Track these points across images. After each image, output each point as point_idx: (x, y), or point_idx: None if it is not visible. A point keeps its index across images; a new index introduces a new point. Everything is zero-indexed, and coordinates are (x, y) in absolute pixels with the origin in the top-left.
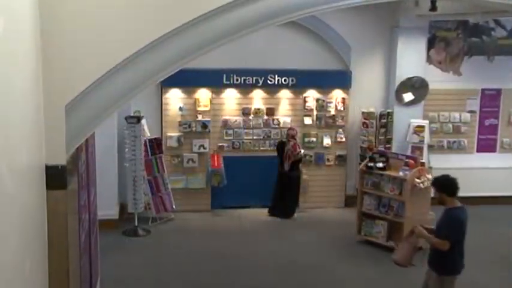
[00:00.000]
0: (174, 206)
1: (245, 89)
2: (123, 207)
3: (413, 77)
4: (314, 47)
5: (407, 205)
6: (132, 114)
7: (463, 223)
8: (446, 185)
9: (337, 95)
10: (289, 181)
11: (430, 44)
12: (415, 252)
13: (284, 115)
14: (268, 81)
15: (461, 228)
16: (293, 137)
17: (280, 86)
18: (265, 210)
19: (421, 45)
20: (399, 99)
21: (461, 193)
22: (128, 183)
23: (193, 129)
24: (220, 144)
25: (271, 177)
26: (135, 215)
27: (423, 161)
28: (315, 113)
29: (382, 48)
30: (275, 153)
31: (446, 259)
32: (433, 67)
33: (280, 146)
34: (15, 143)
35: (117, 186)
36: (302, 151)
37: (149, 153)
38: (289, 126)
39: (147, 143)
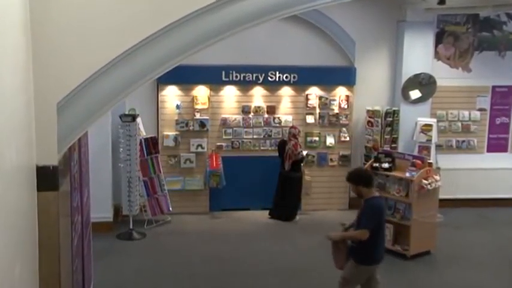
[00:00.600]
0: (170, 208)
1: (245, 86)
2: (117, 210)
3: (420, 74)
4: (317, 42)
5: (414, 207)
6: (127, 113)
7: (382, 211)
8: (362, 177)
9: (340, 92)
10: (290, 182)
11: (438, 39)
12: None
13: (285, 113)
14: (269, 78)
15: (381, 215)
16: (295, 136)
17: (282, 83)
18: (266, 213)
19: (428, 40)
20: (406, 96)
21: (470, 195)
22: (123, 184)
23: (191, 128)
24: (219, 143)
25: (272, 178)
26: (130, 218)
27: (431, 161)
28: (317, 111)
29: (388, 44)
30: (276, 153)
31: (367, 249)
32: (441, 63)
33: (281, 145)
34: (4, 142)
35: (111, 188)
36: (305, 152)
37: (145, 153)
38: (291, 125)
39: (143, 143)
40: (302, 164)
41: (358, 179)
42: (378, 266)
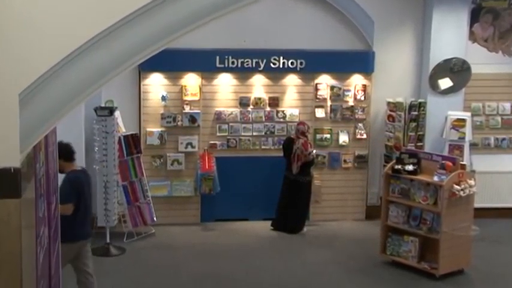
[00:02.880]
0: (155, 218)
1: (243, 73)
2: (91, 221)
3: (451, 59)
4: (328, 21)
5: (444, 218)
6: (103, 105)
7: (82, 183)
8: (62, 151)
9: (356, 81)
10: (297, 187)
11: (474, 17)
12: None
13: (291, 106)
14: (272, 65)
15: (81, 188)
16: (303, 133)
17: (286, 71)
18: (268, 224)
19: (462, 18)
20: (434, 86)
21: None
22: (98, 190)
23: (179, 123)
24: (213, 141)
25: (275, 182)
26: (106, 230)
27: (464, 163)
28: (328, 103)
29: (413, 23)
30: (281, 154)
31: (65, 225)
32: (477, 46)
33: (288, 144)
34: None
35: None
36: (314, 151)
37: (124, 153)
38: (298, 120)
39: (122, 141)
40: (312, 167)
41: (59, 153)
42: (85, 248)
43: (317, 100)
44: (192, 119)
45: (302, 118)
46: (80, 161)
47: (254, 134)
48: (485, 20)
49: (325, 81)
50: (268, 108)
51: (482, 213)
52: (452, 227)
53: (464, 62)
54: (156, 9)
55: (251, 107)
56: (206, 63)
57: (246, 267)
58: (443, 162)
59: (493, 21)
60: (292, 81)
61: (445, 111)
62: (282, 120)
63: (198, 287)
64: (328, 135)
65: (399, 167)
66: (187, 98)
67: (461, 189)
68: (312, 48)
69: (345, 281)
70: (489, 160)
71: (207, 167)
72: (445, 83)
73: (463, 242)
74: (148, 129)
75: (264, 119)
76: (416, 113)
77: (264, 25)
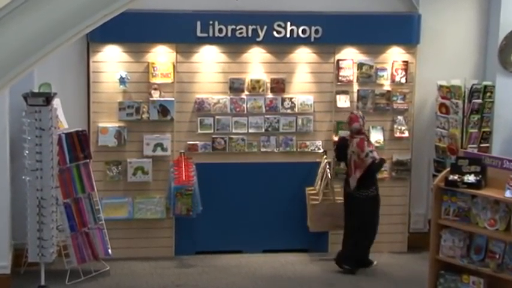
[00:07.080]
0: (110, 251)
1: (235, 46)
2: (19, 254)
3: None
4: None
5: None
6: (36, 91)
7: None
8: None
9: (394, 56)
10: (354, 206)
11: None
12: None
13: (302, 92)
14: (275, 34)
15: None
16: (359, 131)
17: (296, 42)
18: (270, 257)
19: None
20: (506, 63)
21: None
22: (30, 211)
23: (145, 116)
24: (192, 142)
25: (280, 199)
26: (40, 267)
27: None
28: (355, 88)
29: None
30: (286, 159)
31: None
32: None
33: (341, 147)
34: None
35: (9, 217)
36: (375, 152)
37: (67, 159)
38: (312, 111)
39: (64, 141)
40: (376, 174)
41: None
42: None
43: (339, 83)
44: (163, 109)
45: (318, 108)
46: (2, 170)
47: (250, 131)
48: None
49: (350, 57)
50: (270, 95)
51: None
52: None
53: None
54: None
55: (246, 93)
56: (182, 31)
57: None
58: None
59: None
60: (304, 56)
61: None
62: (289, 111)
63: None
64: None
65: (456, 177)
66: (156, 80)
67: None
68: (332, 10)
69: None
70: None
71: (183, 177)
72: None
73: None
74: (100, 125)
75: (264, 109)
76: (480, 101)
77: None
